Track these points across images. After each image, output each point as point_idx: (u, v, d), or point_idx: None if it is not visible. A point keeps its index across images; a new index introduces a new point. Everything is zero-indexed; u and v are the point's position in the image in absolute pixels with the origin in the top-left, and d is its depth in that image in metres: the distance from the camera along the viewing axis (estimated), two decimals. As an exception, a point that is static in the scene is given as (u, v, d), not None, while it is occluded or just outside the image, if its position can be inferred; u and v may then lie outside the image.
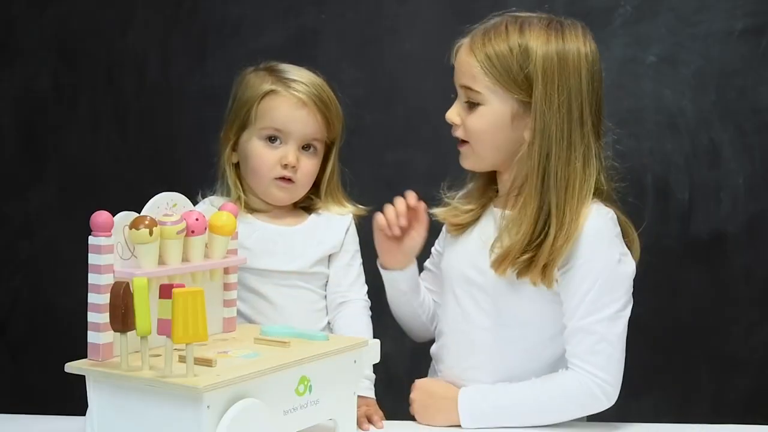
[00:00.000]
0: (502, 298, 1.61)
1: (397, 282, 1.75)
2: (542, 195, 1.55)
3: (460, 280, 1.67)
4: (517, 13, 1.62)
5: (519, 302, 1.60)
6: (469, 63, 1.59)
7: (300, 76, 1.73)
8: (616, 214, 1.61)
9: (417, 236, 1.72)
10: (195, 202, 1.74)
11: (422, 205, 1.71)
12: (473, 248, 1.65)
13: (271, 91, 1.71)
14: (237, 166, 1.76)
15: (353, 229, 1.79)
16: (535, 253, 1.55)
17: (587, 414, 1.61)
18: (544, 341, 1.62)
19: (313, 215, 1.78)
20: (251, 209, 1.75)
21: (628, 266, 1.59)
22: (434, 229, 1.79)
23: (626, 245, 1.62)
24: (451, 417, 1.59)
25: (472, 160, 1.65)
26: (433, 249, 1.84)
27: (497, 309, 1.62)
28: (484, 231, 1.66)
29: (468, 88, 1.60)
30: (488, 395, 1.59)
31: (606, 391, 1.57)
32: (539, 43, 1.55)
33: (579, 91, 1.56)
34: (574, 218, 1.54)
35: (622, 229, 1.62)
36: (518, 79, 1.56)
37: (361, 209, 1.81)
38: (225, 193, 1.77)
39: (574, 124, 1.55)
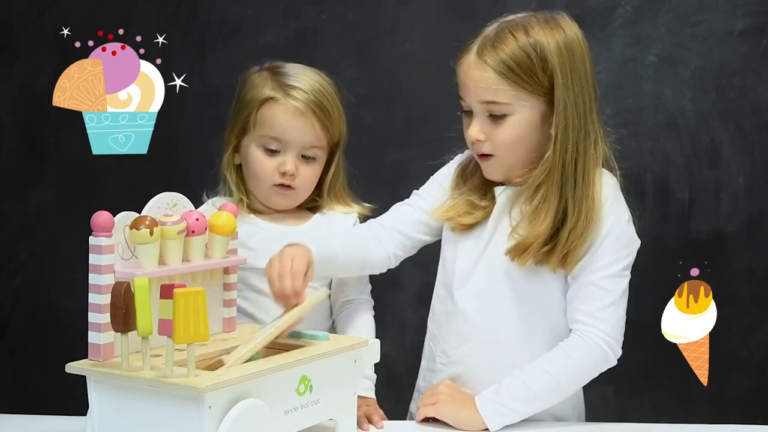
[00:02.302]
0: (525, 288, 1.61)
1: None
2: (563, 187, 1.57)
3: (478, 282, 1.65)
4: (506, 19, 1.61)
5: (540, 288, 1.61)
6: (484, 77, 1.56)
7: (301, 82, 1.71)
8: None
9: None
10: (201, 202, 1.74)
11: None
12: (489, 246, 1.64)
13: (270, 98, 1.70)
14: (239, 167, 1.76)
15: None
16: (555, 242, 1.56)
17: (599, 372, 1.61)
18: (560, 324, 1.62)
19: (317, 215, 1.78)
20: (254, 210, 1.75)
21: (633, 230, 1.62)
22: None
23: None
24: (474, 423, 1.57)
25: (501, 171, 1.63)
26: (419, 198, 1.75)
27: (520, 300, 1.62)
28: (500, 223, 1.64)
29: (491, 103, 1.57)
30: (504, 392, 1.57)
31: (613, 348, 1.58)
32: (547, 38, 1.56)
33: (586, 78, 1.58)
34: (589, 202, 1.57)
35: None
36: (541, 81, 1.56)
37: (367, 208, 1.80)
38: (227, 194, 1.77)
39: (588, 112, 1.58)
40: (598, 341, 1.57)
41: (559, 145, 1.56)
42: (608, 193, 1.59)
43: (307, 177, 1.73)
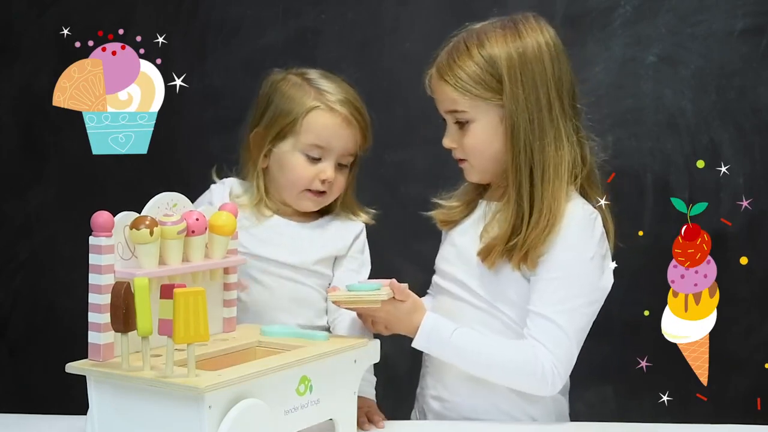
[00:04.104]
0: (492, 285, 1.63)
1: None
2: (521, 186, 1.60)
3: (453, 276, 1.69)
4: (471, 27, 1.67)
5: (508, 285, 1.62)
6: (444, 90, 1.64)
7: (340, 92, 1.75)
8: (601, 212, 1.65)
9: None
10: (205, 188, 1.75)
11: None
12: (467, 243, 1.68)
13: (317, 107, 1.72)
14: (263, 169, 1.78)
15: (363, 238, 1.81)
16: (518, 239, 1.59)
17: (527, 388, 1.61)
18: (521, 322, 1.63)
19: (326, 216, 1.80)
20: (269, 209, 1.76)
21: (600, 270, 1.62)
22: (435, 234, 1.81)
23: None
24: (408, 329, 1.60)
25: (477, 174, 1.69)
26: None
27: (489, 297, 1.64)
28: (476, 226, 1.69)
29: (453, 112, 1.65)
30: (453, 331, 1.59)
31: (554, 374, 1.57)
32: (499, 47, 1.61)
33: (544, 79, 1.61)
34: (554, 202, 1.59)
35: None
36: (493, 86, 1.61)
37: (371, 215, 1.83)
38: (253, 194, 1.77)
39: (543, 111, 1.60)
40: (544, 359, 1.57)
41: (510, 147, 1.61)
42: (577, 223, 1.60)
43: (340, 184, 1.77)
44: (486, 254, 1.62)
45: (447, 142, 1.68)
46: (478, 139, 1.64)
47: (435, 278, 1.76)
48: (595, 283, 1.62)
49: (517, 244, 1.58)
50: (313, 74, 1.77)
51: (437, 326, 1.59)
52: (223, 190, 1.78)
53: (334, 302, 1.55)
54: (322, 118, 1.72)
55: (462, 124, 1.65)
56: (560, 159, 1.61)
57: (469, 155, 1.66)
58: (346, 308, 1.58)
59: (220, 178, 1.82)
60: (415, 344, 1.60)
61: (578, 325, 1.60)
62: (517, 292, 1.62)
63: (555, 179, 1.60)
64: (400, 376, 2.34)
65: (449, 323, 1.60)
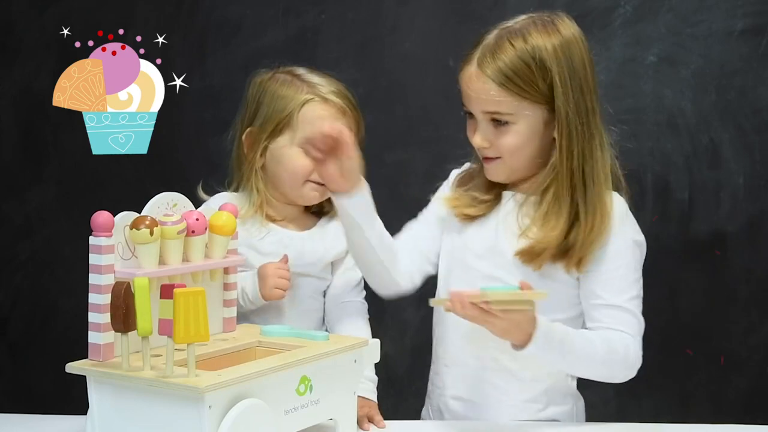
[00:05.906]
0: (539, 286, 1.57)
1: (347, 210, 1.59)
2: (575, 189, 1.59)
3: (485, 272, 1.64)
4: (505, 25, 1.62)
5: (551, 286, 1.59)
6: (485, 89, 1.58)
7: (331, 84, 1.75)
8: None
9: (348, 159, 1.55)
10: (201, 201, 1.74)
11: (344, 131, 1.54)
12: (500, 238, 1.64)
13: (311, 99, 1.72)
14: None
15: None
16: (570, 246, 1.57)
17: (616, 377, 1.60)
18: (567, 322, 1.60)
19: (323, 219, 1.80)
20: (268, 216, 1.76)
21: (641, 251, 1.65)
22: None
23: None
24: (522, 336, 1.49)
25: (504, 174, 1.65)
26: (423, 216, 1.78)
27: None
28: (506, 220, 1.65)
29: (493, 113, 1.59)
30: (560, 330, 1.54)
31: (636, 359, 1.59)
32: (545, 44, 1.57)
33: (587, 80, 1.59)
34: (601, 205, 1.59)
35: None
36: (542, 89, 1.57)
37: None
38: (252, 200, 1.76)
39: (590, 115, 1.59)
40: (632, 344, 1.58)
41: (564, 152, 1.58)
42: (622, 212, 1.62)
43: None
44: (532, 257, 1.59)
45: (479, 141, 1.62)
46: (519, 139, 1.60)
47: (453, 270, 1.70)
48: (641, 263, 1.64)
49: (571, 248, 1.57)
50: (301, 70, 1.78)
51: (551, 329, 1.52)
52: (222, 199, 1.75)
53: (483, 301, 1.41)
54: (318, 109, 1.72)
55: (499, 123, 1.60)
56: (605, 160, 1.61)
57: (506, 153, 1.61)
58: (496, 308, 1.41)
59: (207, 193, 1.79)
60: (529, 351, 1.49)
61: (641, 307, 1.62)
62: (567, 294, 1.62)
63: (605, 182, 1.60)
64: (400, 376, 2.35)
65: (558, 324, 1.54)
